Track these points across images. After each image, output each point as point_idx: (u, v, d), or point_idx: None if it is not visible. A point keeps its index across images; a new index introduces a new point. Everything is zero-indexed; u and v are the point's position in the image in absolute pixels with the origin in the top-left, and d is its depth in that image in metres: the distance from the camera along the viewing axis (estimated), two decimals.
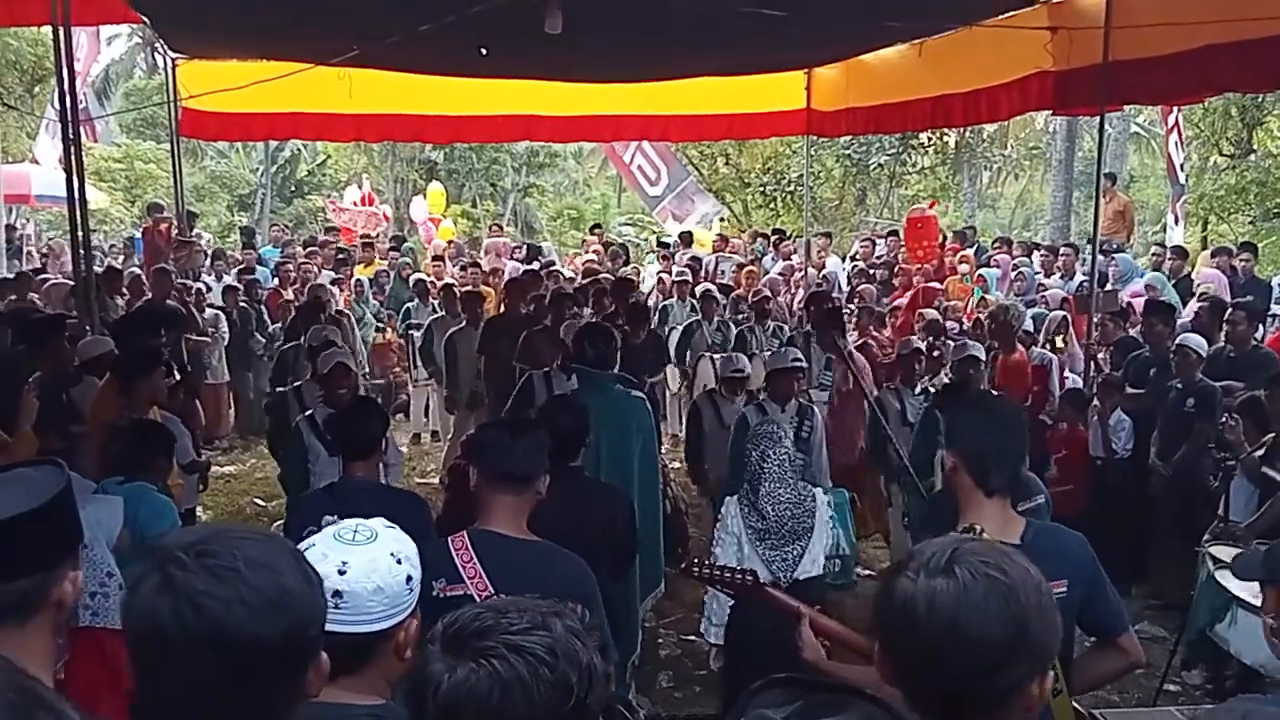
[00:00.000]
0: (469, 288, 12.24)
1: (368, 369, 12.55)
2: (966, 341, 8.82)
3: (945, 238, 16.95)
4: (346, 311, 12.73)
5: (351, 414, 5.14)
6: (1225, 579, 5.79)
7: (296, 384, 8.16)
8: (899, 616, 1.77)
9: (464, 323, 10.78)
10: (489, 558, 3.43)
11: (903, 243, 16.62)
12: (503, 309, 10.95)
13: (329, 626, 2.10)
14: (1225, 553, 6.11)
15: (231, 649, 1.60)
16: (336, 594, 2.12)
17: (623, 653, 5.22)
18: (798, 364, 7.72)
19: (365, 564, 2.17)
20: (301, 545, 2.18)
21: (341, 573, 2.14)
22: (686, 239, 18.27)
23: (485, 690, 1.60)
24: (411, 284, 14.26)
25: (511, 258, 17.72)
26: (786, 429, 5.80)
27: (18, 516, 2.03)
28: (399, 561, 2.22)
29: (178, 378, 7.63)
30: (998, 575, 1.77)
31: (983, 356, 8.47)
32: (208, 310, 12.29)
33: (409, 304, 13.68)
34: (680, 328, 12.15)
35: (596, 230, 20.94)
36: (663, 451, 8.71)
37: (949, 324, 11.50)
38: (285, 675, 1.69)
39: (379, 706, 2.23)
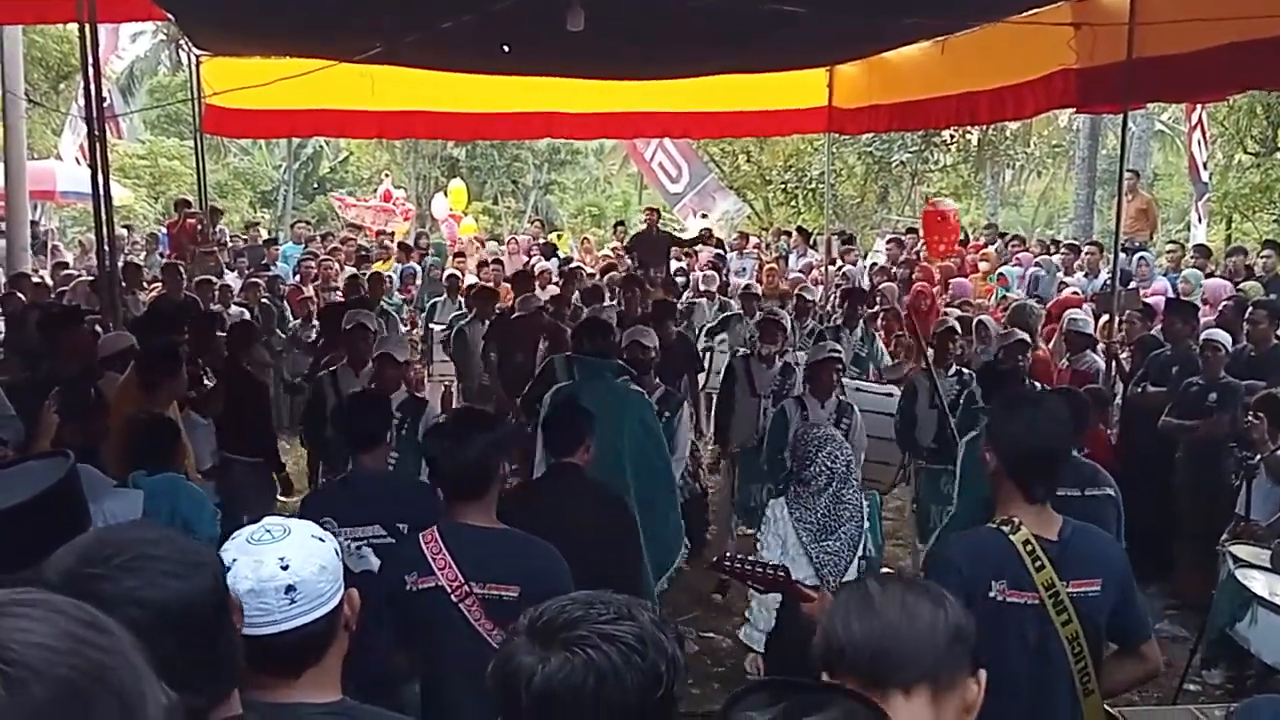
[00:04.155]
0: (484, 284, 12.30)
1: None
2: (1014, 329, 8.74)
3: (967, 235, 16.85)
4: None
5: (357, 406, 5.22)
6: (1246, 578, 5.77)
7: (332, 369, 8.21)
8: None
9: (471, 316, 10.92)
10: (458, 549, 3.50)
11: (920, 236, 16.57)
12: (511, 304, 10.96)
13: (292, 624, 2.13)
14: (1246, 552, 6.10)
15: (179, 620, 1.65)
16: (290, 589, 2.11)
17: None
18: (835, 354, 7.72)
19: (300, 551, 2.15)
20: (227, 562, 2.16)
21: (285, 567, 2.12)
22: (708, 236, 18.24)
23: (580, 678, 1.62)
24: (445, 280, 14.18)
25: (530, 254, 17.75)
26: (835, 430, 5.77)
27: (14, 507, 2.05)
28: (321, 540, 2.22)
29: (213, 381, 7.64)
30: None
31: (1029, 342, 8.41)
32: (233, 307, 12.34)
33: (436, 299, 13.67)
34: (709, 325, 12.09)
35: (620, 227, 20.92)
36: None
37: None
38: (225, 628, 1.79)
39: (334, 704, 2.23)
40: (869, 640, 1.99)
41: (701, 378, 11.78)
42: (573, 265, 14.96)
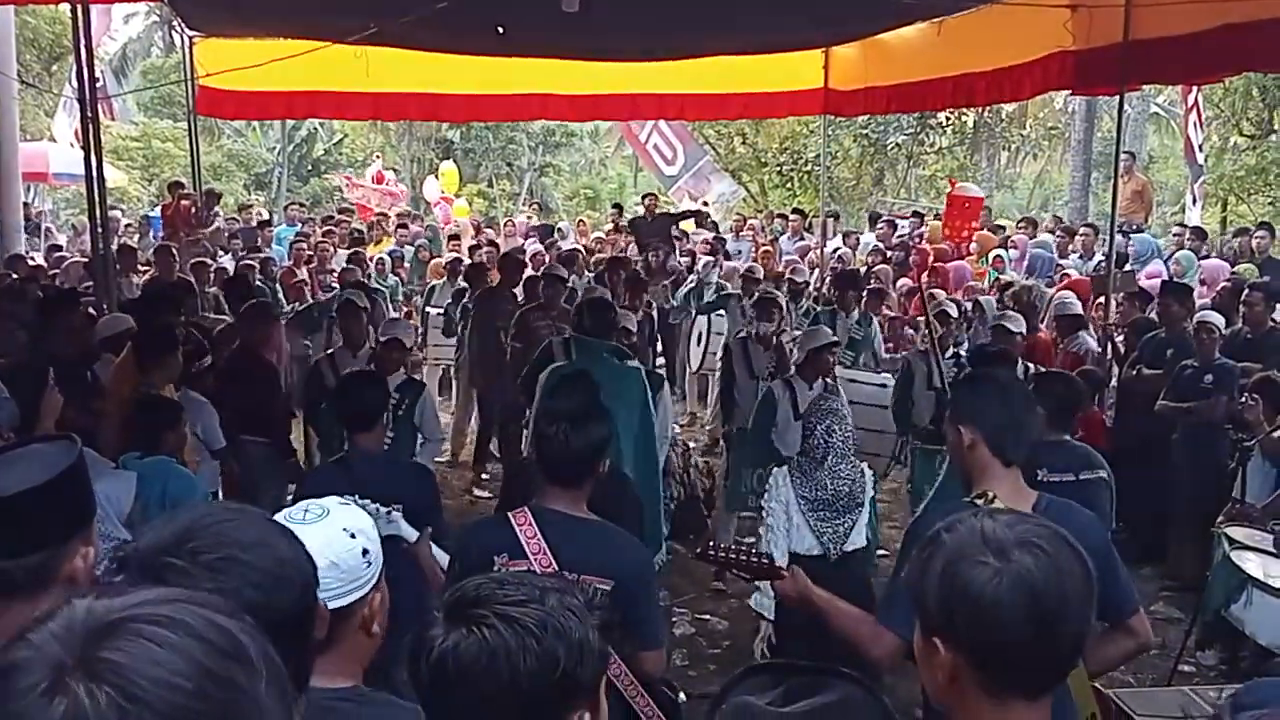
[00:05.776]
0: (475, 262, 12.30)
1: None
2: (1006, 312, 8.75)
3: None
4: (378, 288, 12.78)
5: (353, 386, 5.12)
6: (1241, 559, 5.79)
7: (329, 351, 8.20)
8: (1005, 604, 1.73)
9: (468, 296, 10.92)
10: (553, 534, 3.42)
11: (924, 223, 16.49)
12: (497, 284, 10.94)
13: None
14: (1241, 533, 6.12)
15: None
16: None
17: None
18: (834, 340, 7.76)
19: (319, 542, 2.09)
20: None
21: None
22: (704, 218, 18.16)
23: (473, 656, 1.66)
24: (446, 265, 13.98)
25: (526, 237, 17.68)
26: (845, 406, 5.82)
27: (24, 492, 2.03)
28: (353, 536, 2.18)
29: (209, 360, 7.64)
30: (1058, 538, 1.86)
31: (1020, 329, 8.39)
32: None
33: (435, 283, 13.59)
34: (707, 300, 12.01)
35: (617, 209, 20.79)
36: (678, 431, 8.75)
37: (967, 304, 11.42)
38: (302, 639, 1.74)
39: (344, 690, 2.19)
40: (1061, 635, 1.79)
41: (695, 358, 11.82)
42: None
